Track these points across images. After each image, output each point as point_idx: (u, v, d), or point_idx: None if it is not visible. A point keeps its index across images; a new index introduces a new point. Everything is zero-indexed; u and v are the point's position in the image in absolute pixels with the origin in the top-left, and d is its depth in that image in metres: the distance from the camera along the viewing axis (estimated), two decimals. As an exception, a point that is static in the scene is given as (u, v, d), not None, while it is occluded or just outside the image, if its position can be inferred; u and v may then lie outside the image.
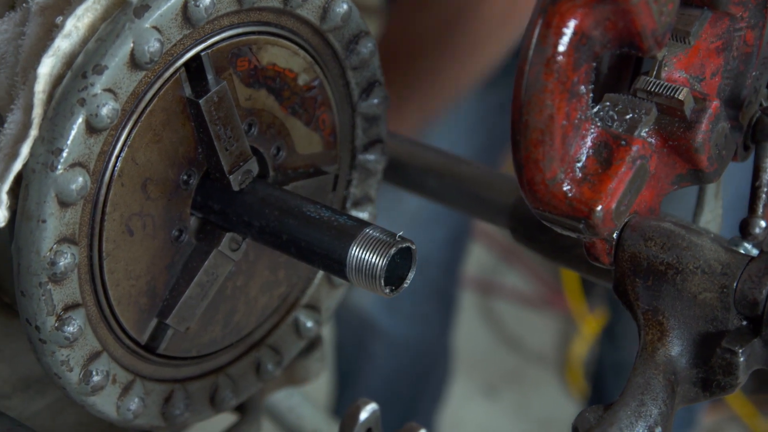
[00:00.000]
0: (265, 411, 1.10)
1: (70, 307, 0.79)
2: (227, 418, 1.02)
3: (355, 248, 0.80)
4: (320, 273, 0.97)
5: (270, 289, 0.93)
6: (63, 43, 0.76)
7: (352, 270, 0.81)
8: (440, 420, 2.04)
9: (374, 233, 0.80)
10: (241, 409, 1.01)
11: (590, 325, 2.77)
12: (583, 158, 0.76)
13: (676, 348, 0.76)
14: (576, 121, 0.75)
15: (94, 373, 0.82)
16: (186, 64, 0.81)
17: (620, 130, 0.76)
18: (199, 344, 0.90)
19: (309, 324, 0.97)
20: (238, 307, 0.91)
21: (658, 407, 0.73)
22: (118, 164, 0.79)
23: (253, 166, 0.86)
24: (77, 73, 0.76)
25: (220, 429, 1.00)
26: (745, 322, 0.74)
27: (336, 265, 0.81)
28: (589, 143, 0.76)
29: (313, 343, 1.05)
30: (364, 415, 0.69)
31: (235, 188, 0.84)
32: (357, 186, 0.97)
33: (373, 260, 0.79)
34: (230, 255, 0.87)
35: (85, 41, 0.77)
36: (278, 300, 0.95)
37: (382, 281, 0.79)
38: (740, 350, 0.72)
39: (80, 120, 0.75)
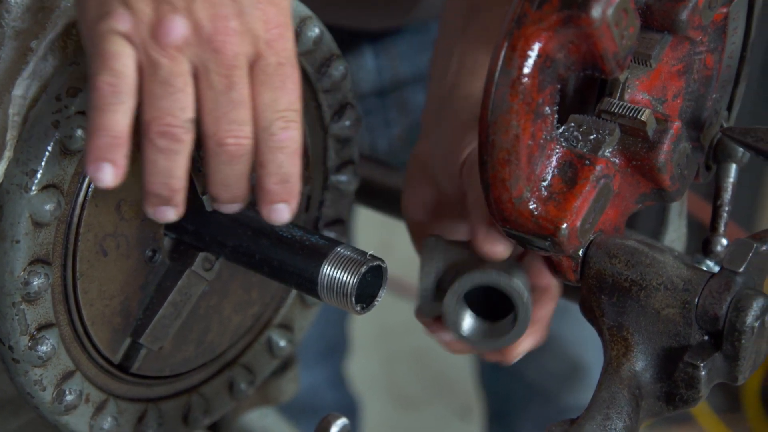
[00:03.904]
0: (239, 431, 1.11)
1: (43, 327, 0.79)
2: (201, 438, 1.02)
3: (326, 267, 0.81)
4: (293, 292, 0.98)
5: (243, 308, 0.94)
6: (38, 67, 0.77)
7: (323, 288, 0.81)
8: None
9: (345, 252, 0.82)
10: (214, 428, 1.02)
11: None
12: (549, 177, 0.77)
13: (640, 363, 0.77)
14: (541, 141, 0.76)
15: (67, 392, 0.82)
16: (159, 87, 0.82)
17: (585, 150, 0.78)
18: (172, 363, 0.90)
19: (282, 343, 0.97)
20: (212, 326, 0.92)
21: (623, 421, 0.74)
22: (92, 185, 0.79)
23: (226, 187, 0.86)
24: (52, 96, 0.76)
25: (194, 449, 1.00)
26: (706, 337, 0.75)
27: (308, 284, 0.82)
28: (554, 163, 0.78)
29: (287, 363, 1.05)
30: (334, 430, 0.70)
31: (208, 209, 0.84)
32: (329, 207, 0.98)
33: (344, 278, 0.80)
34: (203, 275, 0.87)
35: (61, 65, 0.78)
36: (251, 319, 0.95)
37: (353, 299, 0.80)
38: (702, 364, 0.73)
39: (54, 142, 0.76)
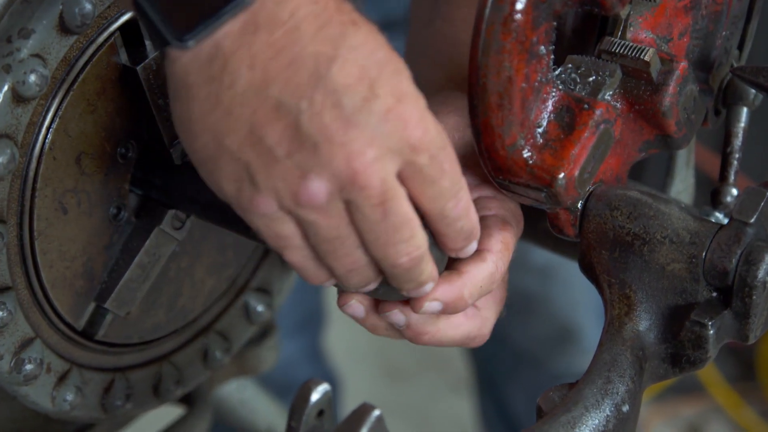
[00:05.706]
0: (216, 404, 1.06)
1: (-2, 291, 0.75)
2: (174, 412, 0.97)
3: (305, 224, 0.76)
4: (271, 253, 0.93)
5: (217, 270, 0.89)
6: (-14, 5, 0.72)
7: (302, 247, 0.76)
8: (410, 417, 1.99)
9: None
10: (188, 401, 0.97)
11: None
12: (545, 123, 0.72)
13: (644, 322, 0.72)
14: (536, 83, 0.71)
15: (26, 361, 0.78)
16: (121, 28, 0.76)
17: (583, 94, 0.73)
18: (141, 330, 0.86)
19: (259, 308, 0.94)
20: (183, 290, 0.88)
21: (626, 384, 0.70)
22: (49, 136, 0.75)
23: (197, 139, 0.81)
24: (2, 38, 0.71)
25: (167, 422, 0.95)
26: (715, 294, 0.71)
27: (285, 243, 0.77)
28: (550, 107, 0.73)
29: (266, 330, 1.01)
30: (315, 397, 0.65)
31: (178, 162, 0.80)
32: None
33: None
34: (173, 234, 0.83)
35: (9, 3, 0.73)
36: (226, 282, 0.91)
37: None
38: (710, 323, 0.69)
39: (6, 88, 0.71)
